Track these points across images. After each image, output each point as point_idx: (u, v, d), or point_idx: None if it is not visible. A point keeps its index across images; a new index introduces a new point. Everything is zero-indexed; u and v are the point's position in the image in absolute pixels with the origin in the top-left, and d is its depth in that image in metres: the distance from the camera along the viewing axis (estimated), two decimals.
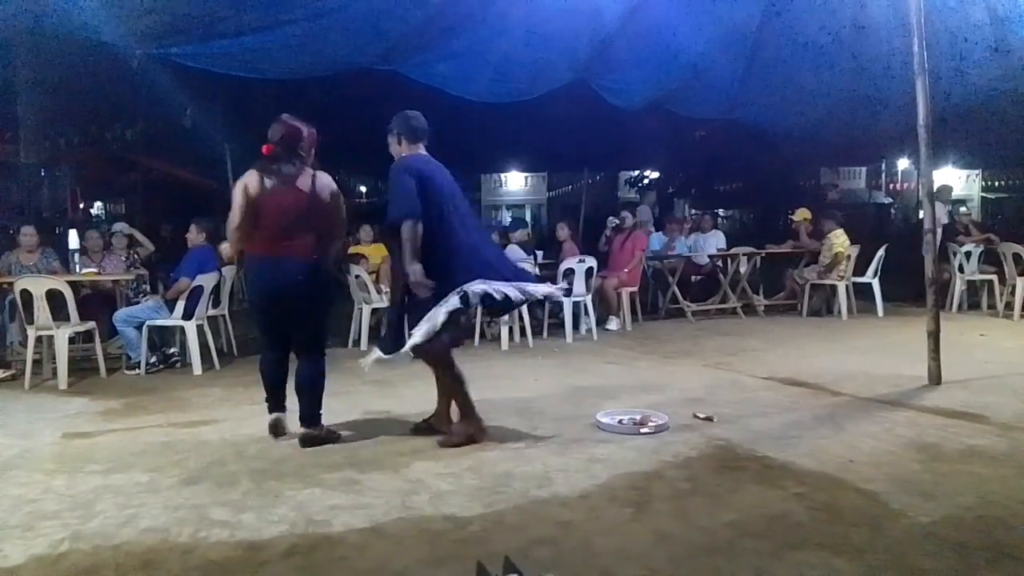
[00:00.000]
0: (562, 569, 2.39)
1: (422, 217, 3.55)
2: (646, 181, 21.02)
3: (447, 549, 2.59)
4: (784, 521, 2.75)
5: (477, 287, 3.55)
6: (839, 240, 8.48)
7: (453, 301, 3.53)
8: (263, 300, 3.90)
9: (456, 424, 3.88)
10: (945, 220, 9.13)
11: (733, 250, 9.32)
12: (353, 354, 6.78)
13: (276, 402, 3.97)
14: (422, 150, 3.87)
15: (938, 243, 6.91)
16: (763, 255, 9.31)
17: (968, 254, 8.81)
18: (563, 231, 8.48)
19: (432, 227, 3.58)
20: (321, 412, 3.93)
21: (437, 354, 3.75)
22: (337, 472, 3.42)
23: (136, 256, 7.00)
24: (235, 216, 3.74)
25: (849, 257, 8.46)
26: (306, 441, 3.82)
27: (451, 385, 3.89)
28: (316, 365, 3.93)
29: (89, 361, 6.09)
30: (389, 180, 3.76)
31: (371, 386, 5.38)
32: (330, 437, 3.93)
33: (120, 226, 7.31)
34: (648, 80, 7.37)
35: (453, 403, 3.91)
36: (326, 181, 3.88)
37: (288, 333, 3.92)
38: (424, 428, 4.05)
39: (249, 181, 3.76)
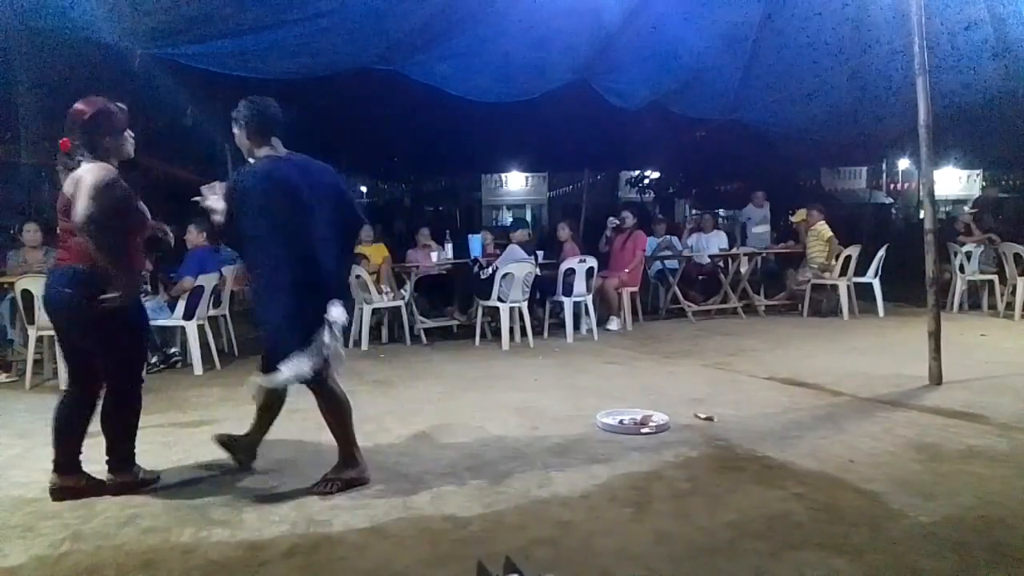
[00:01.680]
0: (562, 569, 2.39)
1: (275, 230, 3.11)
2: (645, 180, 21.03)
3: (447, 549, 2.59)
4: (784, 521, 2.75)
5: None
6: (823, 227, 8.66)
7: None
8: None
9: (336, 467, 3.29)
10: None
11: (734, 250, 9.32)
12: (354, 354, 6.81)
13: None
14: (273, 149, 3.27)
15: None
16: (763, 255, 9.31)
17: (969, 254, 8.81)
18: (564, 231, 8.50)
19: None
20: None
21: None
22: None
23: None
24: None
25: (849, 257, 8.47)
26: (110, 488, 3.15)
27: (333, 414, 3.29)
28: (115, 398, 3.18)
29: None
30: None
31: (371, 386, 5.39)
32: (147, 480, 3.24)
33: None
34: (648, 80, 7.36)
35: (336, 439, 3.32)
36: (80, 171, 3.04)
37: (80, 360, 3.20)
38: (226, 441, 3.50)
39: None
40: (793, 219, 9.46)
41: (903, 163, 24.94)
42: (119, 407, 3.20)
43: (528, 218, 29.70)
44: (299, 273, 3.10)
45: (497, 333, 7.19)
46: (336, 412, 3.27)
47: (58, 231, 3.16)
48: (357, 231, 3.52)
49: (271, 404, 3.42)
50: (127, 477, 3.22)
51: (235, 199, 3.14)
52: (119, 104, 3.25)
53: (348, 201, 3.40)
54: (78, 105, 3.15)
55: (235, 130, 3.32)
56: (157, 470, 3.39)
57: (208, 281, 6.16)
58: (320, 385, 3.20)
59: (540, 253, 7.98)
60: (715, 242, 9.34)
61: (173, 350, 6.34)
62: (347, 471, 3.26)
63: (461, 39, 6.13)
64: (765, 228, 10.12)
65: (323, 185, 3.27)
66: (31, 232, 6.44)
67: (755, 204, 10.25)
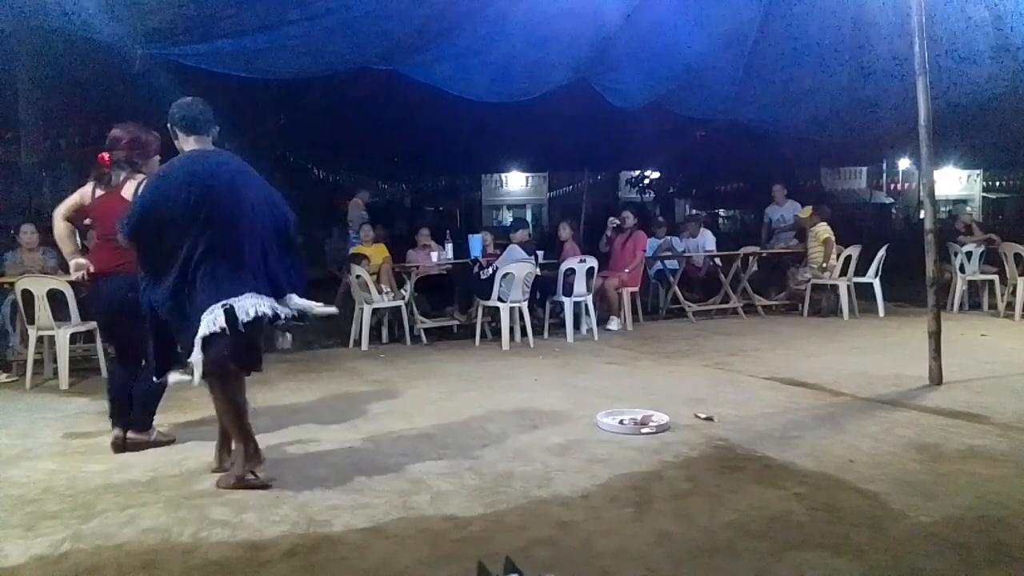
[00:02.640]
0: (562, 569, 2.39)
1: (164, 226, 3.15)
2: (645, 180, 21.07)
3: (448, 549, 2.59)
4: (784, 521, 2.75)
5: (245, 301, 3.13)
6: (822, 228, 8.63)
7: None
8: (102, 318, 3.86)
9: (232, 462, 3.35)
10: None
11: (742, 250, 9.30)
12: (354, 354, 6.82)
13: (119, 416, 3.80)
14: (199, 144, 3.34)
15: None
16: (764, 255, 9.31)
17: (969, 254, 8.81)
18: (565, 231, 8.51)
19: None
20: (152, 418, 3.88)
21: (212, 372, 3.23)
22: (338, 472, 3.42)
23: None
24: (61, 209, 3.81)
25: (850, 257, 8.47)
26: (131, 445, 3.72)
27: (221, 408, 3.32)
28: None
29: (90, 361, 6.09)
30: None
31: (371, 386, 5.40)
32: (160, 442, 3.86)
33: None
34: (648, 80, 7.37)
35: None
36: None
37: (136, 348, 3.68)
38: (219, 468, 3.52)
39: (84, 191, 3.78)
40: (800, 215, 9.41)
41: (903, 163, 24.96)
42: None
43: (528, 218, 29.72)
44: (199, 267, 3.11)
45: (497, 333, 7.19)
46: (225, 411, 3.27)
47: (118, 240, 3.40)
48: (286, 231, 3.41)
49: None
50: (144, 436, 3.77)
51: (155, 190, 3.20)
52: (154, 132, 3.75)
53: (275, 201, 3.38)
54: (117, 131, 3.67)
55: (173, 139, 3.39)
56: (159, 467, 3.40)
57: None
58: (219, 378, 3.21)
59: (540, 253, 7.97)
60: (701, 243, 9.31)
61: None
62: (245, 471, 3.23)
63: (461, 39, 6.13)
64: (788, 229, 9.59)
65: (248, 185, 3.28)
66: (28, 234, 6.43)
67: (776, 202, 9.79)
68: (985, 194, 28.34)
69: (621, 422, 4.05)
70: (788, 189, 10.18)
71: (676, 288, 8.61)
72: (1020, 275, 7.98)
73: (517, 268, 6.90)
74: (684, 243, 9.37)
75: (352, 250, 7.91)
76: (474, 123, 8.74)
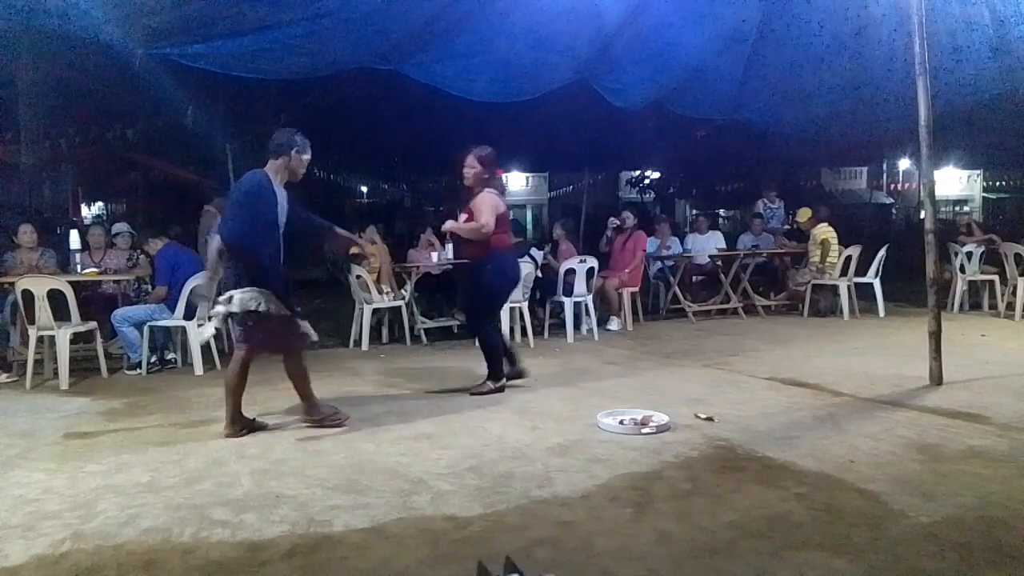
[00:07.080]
0: (562, 569, 2.39)
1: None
2: (645, 180, 21.08)
3: (448, 549, 2.59)
4: (784, 521, 2.75)
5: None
6: (821, 229, 8.62)
7: None
8: (512, 285, 5.31)
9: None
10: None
11: (742, 251, 9.28)
12: (354, 354, 6.82)
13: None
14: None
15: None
16: (763, 255, 9.30)
17: (969, 254, 8.81)
18: (557, 231, 8.56)
19: None
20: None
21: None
22: (338, 472, 3.43)
23: (141, 254, 6.96)
24: (493, 222, 4.85)
25: (850, 257, 8.47)
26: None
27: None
28: None
29: (90, 361, 6.09)
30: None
31: (371, 385, 5.40)
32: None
33: (121, 226, 7.30)
34: (649, 80, 7.37)
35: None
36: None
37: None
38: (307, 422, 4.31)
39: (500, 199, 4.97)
40: (798, 219, 9.41)
41: (903, 163, 24.95)
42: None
43: (528, 218, 29.69)
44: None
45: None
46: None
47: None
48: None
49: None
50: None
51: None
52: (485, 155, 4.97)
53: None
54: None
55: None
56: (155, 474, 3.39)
57: (197, 282, 6.08)
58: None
59: (539, 253, 7.96)
60: (712, 243, 9.32)
61: (171, 356, 6.35)
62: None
63: (461, 39, 6.13)
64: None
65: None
66: (27, 234, 6.45)
67: (753, 232, 9.95)
68: (985, 194, 28.34)
69: (621, 422, 4.05)
70: (787, 191, 10.23)
71: (676, 288, 8.62)
72: (1020, 275, 7.98)
73: None
74: (692, 241, 9.36)
75: (352, 250, 7.89)
76: (474, 123, 8.73)
